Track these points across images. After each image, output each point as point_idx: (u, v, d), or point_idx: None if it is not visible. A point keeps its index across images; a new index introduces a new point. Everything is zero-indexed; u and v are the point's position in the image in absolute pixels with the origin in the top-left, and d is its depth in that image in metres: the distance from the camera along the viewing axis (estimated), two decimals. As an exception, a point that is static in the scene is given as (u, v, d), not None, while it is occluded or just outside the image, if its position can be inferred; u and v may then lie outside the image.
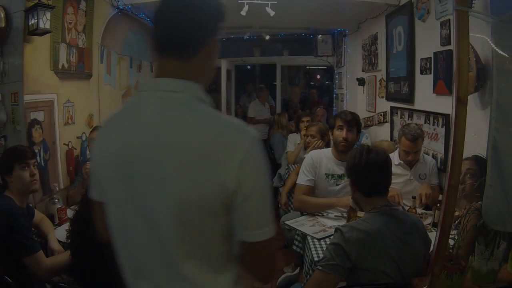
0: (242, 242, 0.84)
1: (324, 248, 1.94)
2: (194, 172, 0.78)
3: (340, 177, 2.44)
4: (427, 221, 2.21)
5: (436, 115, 2.81)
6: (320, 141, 3.50)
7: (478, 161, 1.94)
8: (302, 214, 2.44)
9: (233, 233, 0.84)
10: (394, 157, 2.55)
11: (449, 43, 2.59)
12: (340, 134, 2.41)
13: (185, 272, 0.82)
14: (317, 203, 2.41)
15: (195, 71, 0.86)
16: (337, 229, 1.49)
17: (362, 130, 4.16)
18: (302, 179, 2.47)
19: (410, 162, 2.55)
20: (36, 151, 2.37)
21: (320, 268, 1.42)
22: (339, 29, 5.59)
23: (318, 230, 2.16)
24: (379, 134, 4.09)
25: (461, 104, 1.18)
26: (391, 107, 3.75)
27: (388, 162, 1.60)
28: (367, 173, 1.55)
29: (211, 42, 0.87)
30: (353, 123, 2.42)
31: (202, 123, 0.81)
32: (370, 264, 1.41)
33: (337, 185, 2.44)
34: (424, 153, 2.73)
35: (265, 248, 0.85)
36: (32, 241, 1.70)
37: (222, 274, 0.86)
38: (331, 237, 2.06)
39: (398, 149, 2.64)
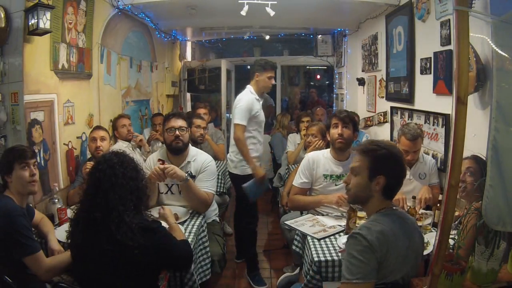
0: None
1: (324, 248, 1.93)
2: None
3: (339, 177, 2.44)
4: (427, 221, 2.22)
5: (436, 115, 2.82)
6: (321, 141, 3.50)
7: (477, 160, 1.94)
8: (302, 214, 2.44)
9: None
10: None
11: (449, 43, 2.59)
12: (335, 131, 2.42)
13: None
14: (306, 200, 2.47)
15: (253, 83, 3.11)
16: (353, 235, 1.40)
17: (362, 130, 4.18)
18: (296, 181, 2.52)
19: (410, 161, 2.55)
20: (36, 151, 2.37)
21: (357, 281, 1.32)
22: (339, 29, 5.59)
23: (318, 230, 2.16)
24: (379, 134, 4.09)
25: (461, 104, 1.18)
26: (391, 107, 3.75)
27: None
28: (402, 177, 1.52)
29: (257, 74, 3.09)
30: (348, 119, 2.42)
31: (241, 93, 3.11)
32: (389, 263, 1.38)
33: (336, 185, 2.44)
34: (424, 153, 2.73)
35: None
36: (32, 241, 1.70)
37: None
38: (332, 237, 2.07)
39: (398, 149, 2.65)
